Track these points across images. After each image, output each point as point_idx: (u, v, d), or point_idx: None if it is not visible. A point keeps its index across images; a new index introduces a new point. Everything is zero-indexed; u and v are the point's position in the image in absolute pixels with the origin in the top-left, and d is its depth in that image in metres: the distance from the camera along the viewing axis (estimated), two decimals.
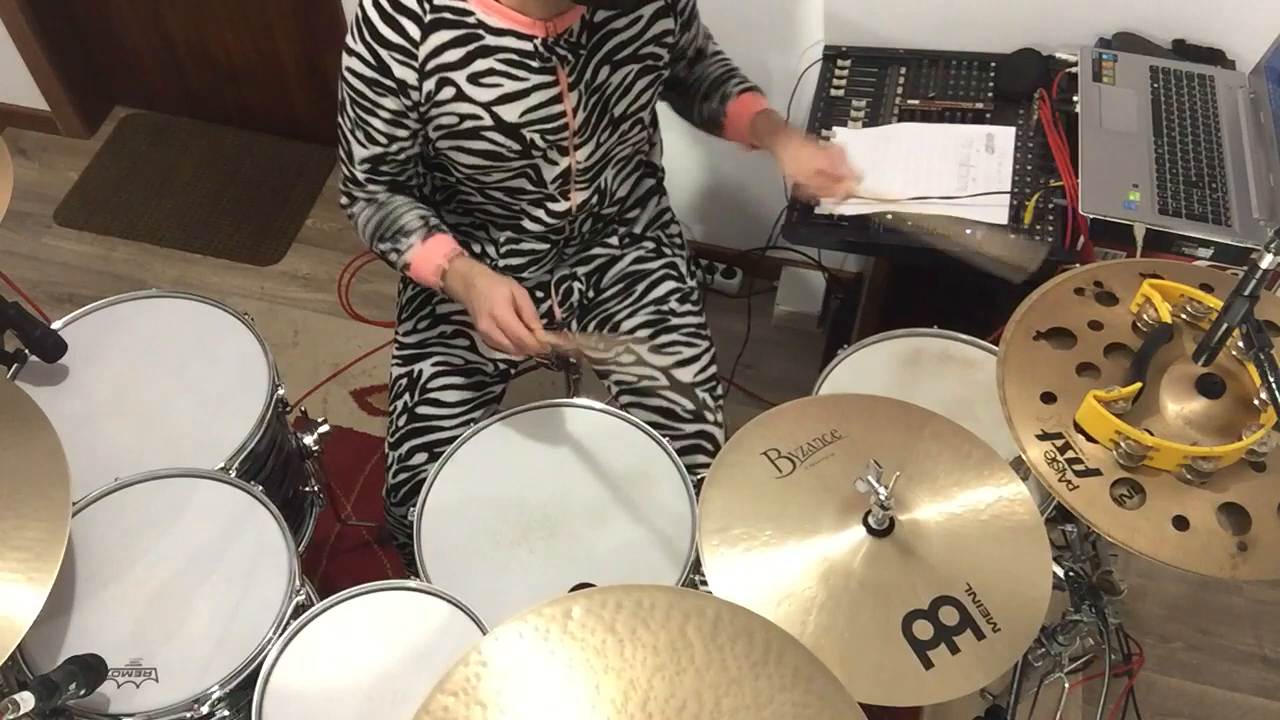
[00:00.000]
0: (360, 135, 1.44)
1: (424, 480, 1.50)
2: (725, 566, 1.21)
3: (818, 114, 1.91)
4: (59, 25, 2.78)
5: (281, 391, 1.60)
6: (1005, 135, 1.80)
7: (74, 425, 1.44)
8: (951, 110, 1.87)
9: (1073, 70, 1.86)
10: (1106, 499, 1.16)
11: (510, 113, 1.41)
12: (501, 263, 1.62)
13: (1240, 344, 1.23)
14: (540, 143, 1.45)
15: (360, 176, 1.48)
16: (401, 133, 1.43)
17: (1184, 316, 1.29)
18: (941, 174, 1.75)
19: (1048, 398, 1.23)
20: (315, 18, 2.58)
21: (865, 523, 1.22)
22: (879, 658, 1.14)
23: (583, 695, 0.92)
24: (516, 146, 1.44)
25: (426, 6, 1.33)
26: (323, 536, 2.20)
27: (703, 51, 1.65)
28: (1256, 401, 1.19)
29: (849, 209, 1.73)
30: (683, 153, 2.38)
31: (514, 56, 1.37)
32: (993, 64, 1.93)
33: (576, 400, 1.57)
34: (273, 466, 1.60)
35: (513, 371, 1.75)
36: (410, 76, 1.36)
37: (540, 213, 1.55)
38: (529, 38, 1.37)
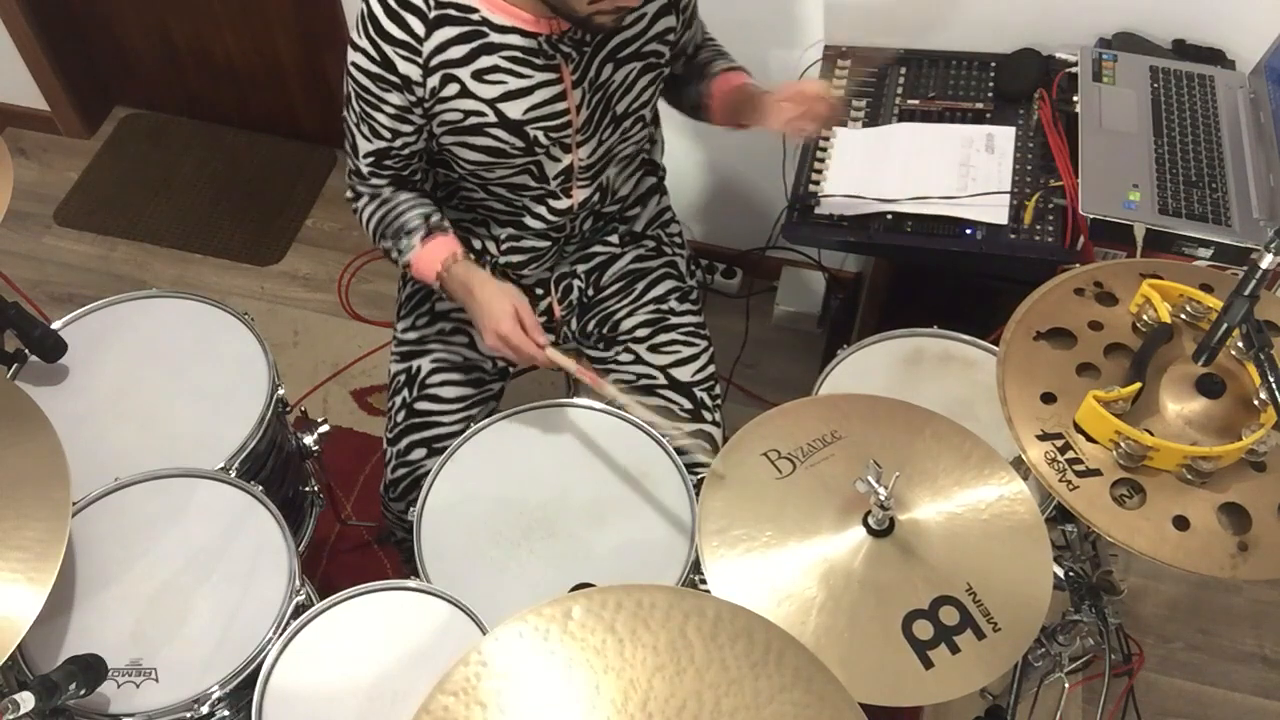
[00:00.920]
0: (365, 130, 1.44)
1: (422, 476, 1.50)
2: (725, 567, 1.21)
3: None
4: (59, 25, 2.78)
5: (281, 391, 1.60)
6: (1005, 135, 1.80)
7: (74, 425, 1.44)
8: (951, 110, 1.87)
9: (1073, 70, 1.86)
10: (1106, 499, 1.16)
11: (514, 109, 1.41)
12: (502, 259, 1.62)
13: (1240, 344, 1.23)
14: (543, 140, 1.45)
15: (365, 170, 1.49)
16: (406, 128, 1.43)
17: (1184, 316, 1.29)
18: (941, 174, 1.76)
19: (1048, 398, 1.23)
20: (315, 18, 2.58)
21: (865, 523, 1.22)
22: (879, 658, 1.14)
23: (583, 695, 0.92)
24: (520, 143, 1.44)
25: (431, 3, 1.33)
26: (323, 536, 2.20)
27: (700, 47, 1.65)
28: (1256, 401, 1.19)
29: (849, 209, 1.73)
30: (684, 152, 2.38)
31: (518, 54, 1.38)
32: (993, 64, 1.93)
33: (576, 400, 1.57)
34: (273, 466, 1.60)
35: (511, 370, 1.75)
36: (414, 72, 1.36)
37: (542, 210, 1.55)
38: (533, 35, 1.37)
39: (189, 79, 2.87)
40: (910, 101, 1.89)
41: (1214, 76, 1.84)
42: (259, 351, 1.61)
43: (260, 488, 1.45)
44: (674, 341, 1.69)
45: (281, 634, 1.31)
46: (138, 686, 1.29)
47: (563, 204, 1.55)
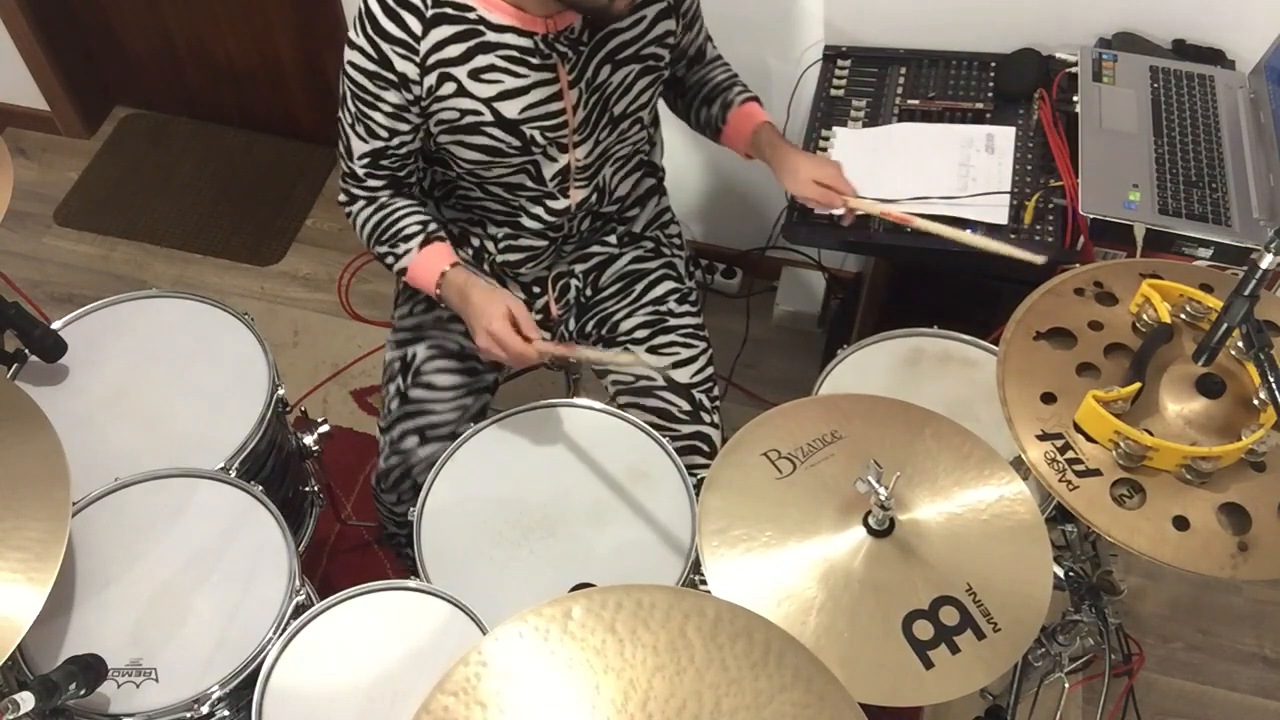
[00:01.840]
0: (361, 129, 1.44)
1: (414, 466, 1.49)
2: (725, 567, 1.21)
3: (818, 114, 1.91)
4: (59, 25, 2.78)
5: (281, 391, 1.60)
6: (1005, 135, 1.80)
7: (74, 425, 1.44)
8: (951, 110, 1.87)
9: (1073, 70, 1.86)
10: (1106, 499, 1.16)
11: (510, 109, 1.41)
12: (499, 258, 1.62)
13: (1240, 344, 1.23)
14: (540, 139, 1.45)
15: (360, 171, 1.49)
16: (403, 127, 1.43)
17: (1184, 316, 1.29)
18: (941, 174, 1.76)
19: (1048, 398, 1.23)
20: (315, 18, 2.58)
21: (865, 523, 1.22)
22: (879, 658, 1.14)
23: (583, 695, 0.92)
24: (516, 143, 1.44)
25: (429, 1, 1.33)
26: (323, 536, 2.20)
27: (703, 52, 1.65)
28: (1256, 401, 1.19)
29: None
30: (683, 153, 2.38)
31: (514, 53, 1.38)
32: (993, 64, 1.93)
33: (576, 400, 1.57)
34: (273, 466, 1.60)
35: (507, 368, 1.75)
36: (411, 71, 1.36)
37: (539, 210, 1.55)
38: (529, 34, 1.37)
39: (189, 79, 2.87)
40: (910, 101, 1.89)
41: (1214, 76, 1.84)
42: (259, 351, 1.61)
43: (260, 488, 1.45)
44: (673, 343, 1.69)
45: (281, 634, 1.31)
46: (138, 686, 1.29)
47: (560, 204, 1.55)
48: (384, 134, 1.43)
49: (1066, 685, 1.53)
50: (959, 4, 1.97)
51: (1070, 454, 1.19)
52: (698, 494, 1.33)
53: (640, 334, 1.70)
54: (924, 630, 1.15)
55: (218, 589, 1.37)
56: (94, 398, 1.56)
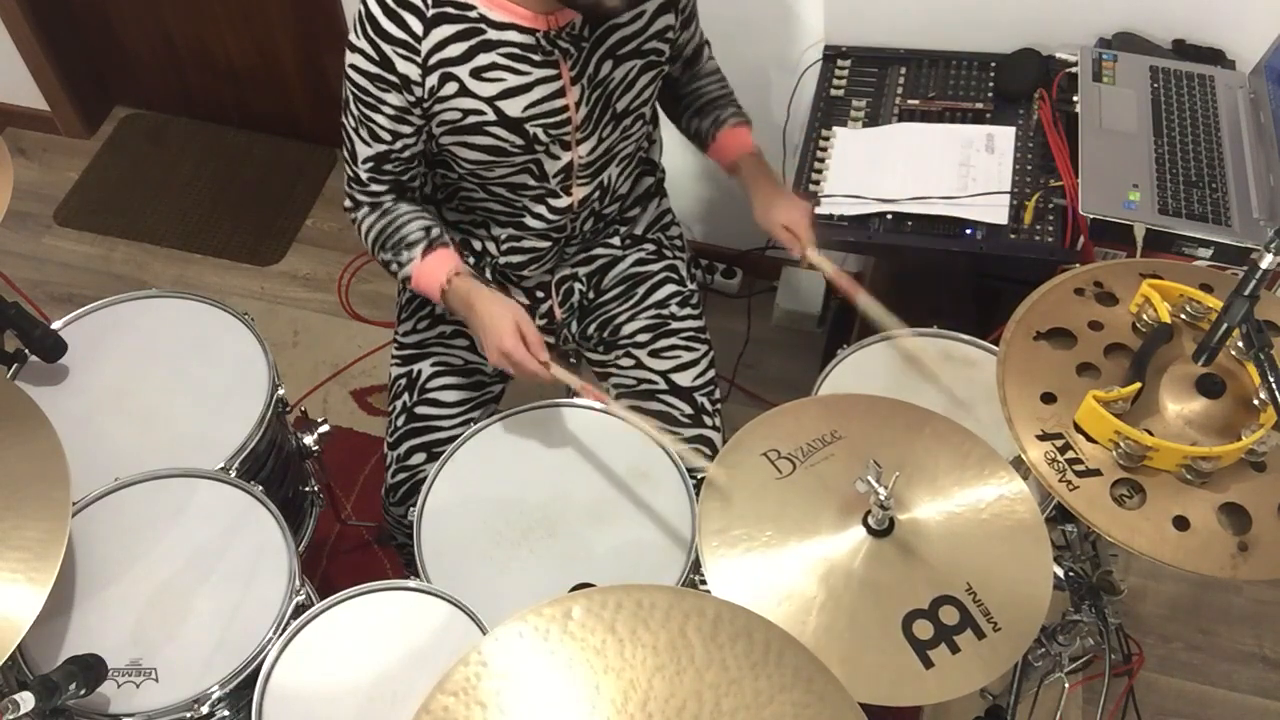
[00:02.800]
0: (364, 133, 1.44)
1: (423, 480, 1.49)
2: (725, 567, 1.21)
3: (818, 114, 1.91)
4: (59, 25, 2.78)
5: (281, 391, 1.60)
6: (1005, 135, 1.80)
7: (74, 425, 1.44)
8: (951, 110, 1.87)
9: (1073, 70, 1.86)
10: (1107, 499, 1.16)
11: (513, 107, 1.41)
12: (502, 260, 1.62)
13: (1240, 344, 1.23)
14: (543, 137, 1.45)
15: (364, 176, 1.48)
16: (405, 129, 1.43)
17: (1184, 316, 1.29)
18: (941, 174, 1.76)
19: (1048, 398, 1.23)
20: (315, 18, 2.58)
21: (865, 523, 1.22)
22: (879, 658, 1.14)
23: (583, 695, 0.92)
24: (519, 141, 1.44)
25: (429, 1, 1.33)
26: (323, 536, 2.20)
27: (699, 53, 1.65)
28: (1256, 401, 1.19)
29: (849, 209, 1.73)
30: (683, 153, 2.36)
31: (516, 51, 1.37)
32: (993, 64, 1.93)
33: (576, 400, 1.57)
34: (273, 466, 1.60)
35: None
36: (413, 72, 1.36)
37: (542, 209, 1.55)
38: (531, 31, 1.37)
39: (189, 79, 2.87)
40: (910, 101, 1.89)
41: (1214, 76, 1.84)
42: (259, 351, 1.61)
43: (260, 488, 1.45)
44: (674, 346, 1.69)
45: (281, 634, 1.31)
46: (138, 686, 1.29)
47: (563, 202, 1.55)
48: (387, 137, 1.43)
49: (1066, 685, 1.53)
50: (959, 4, 1.97)
51: (1070, 454, 1.19)
52: (698, 494, 1.33)
53: (642, 337, 1.70)
54: (924, 630, 1.15)
55: (218, 589, 1.37)
56: (94, 398, 1.56)
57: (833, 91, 1.94)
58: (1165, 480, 1.18)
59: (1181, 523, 1.15)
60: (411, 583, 1.36)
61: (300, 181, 2.86)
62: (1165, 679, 2.14)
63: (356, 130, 1.44)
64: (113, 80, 2.96)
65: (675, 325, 1.71)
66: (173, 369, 1.59)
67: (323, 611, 1.33)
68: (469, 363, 1.68)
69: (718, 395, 1.71)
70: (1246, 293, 1.14)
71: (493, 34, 1.36)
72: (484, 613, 1.31)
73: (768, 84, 2.14)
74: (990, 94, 1.89)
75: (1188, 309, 1.29)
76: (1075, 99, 1.81)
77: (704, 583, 1.21)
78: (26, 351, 1.56)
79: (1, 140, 1.67)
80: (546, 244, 1.61)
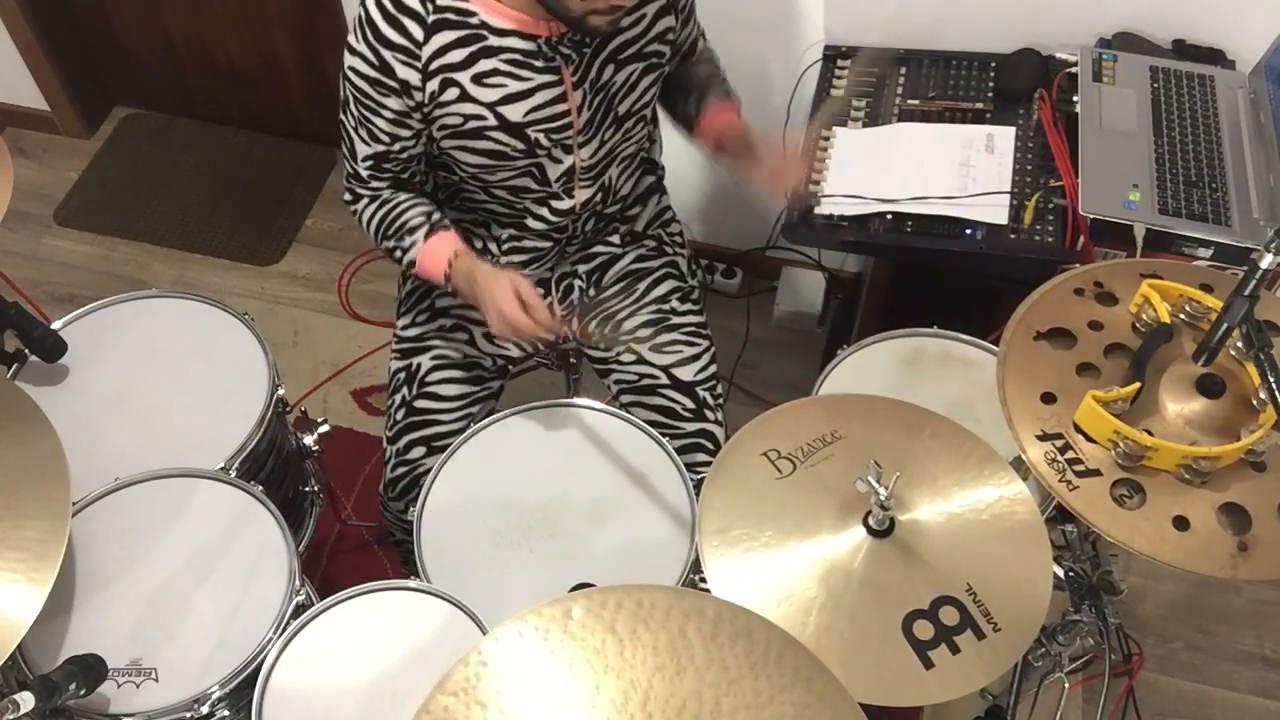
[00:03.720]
0: (363, 133, 1.44)
1: (422, 475, 1.50)
2: (725, 567, 1.21)
3: (818, 114, 1.91)
4: (59, 25, 2.77)
5: (281, 391, 1.60)
6: (1005, 135, 1.80)
7: (74, 425, 1.44)
8: (951, 110, 1.87)
9: (1073, 70, 1.85)
10: (1107, 499, 1.16)
11: (514, 113, 1.41)
12: (503, 259, 1.62)
13: (1240, 344, 1.23)
14: (545, 142, 1.45)
15: (364, 173, 1.48)
16: (405, 132, 1.43)
17: (1184, 316, 1.29)
18: (941, 174, 1.75)
19: (1048, 398, 1.23)
20: (315, 18, 2.58)
21: (865, 523, 1.22)
22: (879, 658, 1.14)
23: (583, 695, 0.92)
24: (521, 146, 1.44)
25: (429, 7, 1.33)
26: (323, 536, 2.20)
27: (694, 46, 1.65)
28: (1256, 401, 1.19)
29: (849, 209, 1.73)
30: (683, 152, 2.36)
31: (518, 56, 1.37)
32: (993, 64, 1.93)
33: (576, 400, 1.57)
34: (273, 466, 1.60)
35: (511, 367, 1.75)
36: (413, 77, 1.36)
37: (544, 211, 1.55)
38: (532, 37, 1.37)
39: (189, 79, 2.87)
40: (910, 101, 1.89)
41: (1214, 76, 1.84)
42: (259, 351, 1.61)
43: (260, 488, 1.45)
44: (675, 341, 1.69)
45: (281, 634, 1.31)
46: (138, 686, 1.29)
47: (565, 205, 1.55)
48: (386, 139, 1.43)
49: (1066, 685, 1.53)
50: (959, 4, 1.97)
51: (1070, 454, 1.19)
52: (698, 494, 1.33)
53: (643, 333, 1.70)
54: (924, 630, 1.15)
55: (218, 589, 1.37)
56: (94, 398, 1.56)
57: (833, 91, 1.94)
58: (1165, 480, 1.18)
59: (1181, 523, 1.15)
60: (411, 583, 1.36)
61: (300, 181, 2.86)
62: (1165, 679, 2.14)
63: (356, 130, 1.44)
64: (113, 80, 2.96)
65: (676, 320, 1.71)
66: (173, 369, 1.59)
67: (323, 611, 1.33)
68: (469, 357, 1.68)
69: (719, 390, 1.71)
70: (1246, 293, 1.14)
71: (494, 40, 1.36)
72: (484, 613, 1.31)
73: (768, 84, 2.14)
74: (990, 94, 1.89)
75: (1187, 309, 1.29)
76: (1075, 99, 1.81)
77: (704, 583, 1.21)
78: (26, 351, 1.56)
79: (1, 140, 1.67)
80: (548, 244, 1.61)
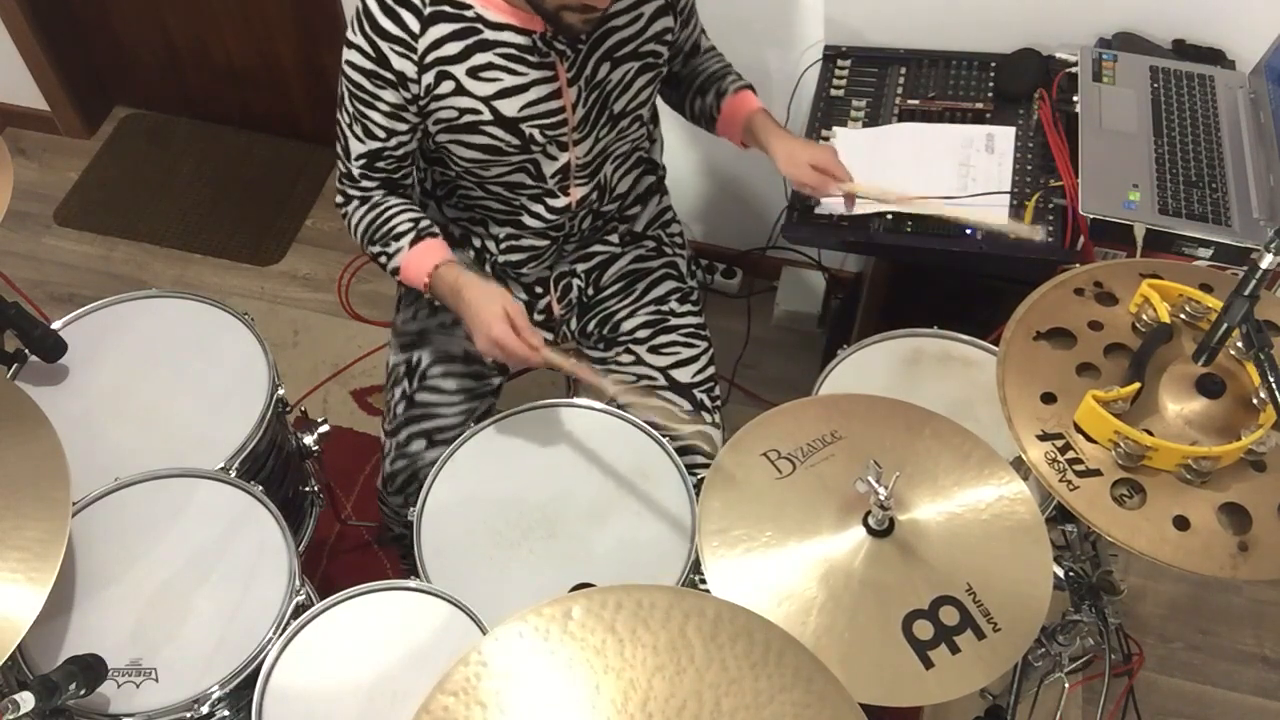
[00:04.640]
0: (358, 129, 1.44)
1: (421, 469, 1.49)
2: (725, 567, 1.21)
3: (818, 114, 1.91)
4: (59, 25, 2.78)
5: (281, 391, 1.60)
6: (1005, 135, 1.80)
7: (74, 425, 1.44)
8: (951, 110, 1.87)
9: (1073, 70, 1.85)
10: (1107, 499, 1.16)
11: (509, 107, 1.41)
12: (501, 258, 1.62)
13: (1240, 344, 1.23)
14: (539, 138, 1.45)
15: (356, 172, 1.49)
16: (400, 126, 1.43)
17: (1183, 316, 1.29)
18: (941, 174, 1.75)
19: (1048, 398, 1.23)
20: (315, 18, 2.58)
21: (865, 523, 1.22)
22: (879, 658, 1.14)
23: (583, 695, 0.92)
24: (515, 141, 1.44)
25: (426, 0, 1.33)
26: (323, 536, 2.20)
27: (698, 45, 1.65)
28: (1256, 401, 1.19)
29: (849, 209, 1.73)
30: (683, 152, 2.38)
31: (513, 51, 1.38)
32: (993, 64, 1.93)
33: (576, 400, 1.57)
34: (273, 466, 1.60)
35: (510, 368, 1.75)
36: (409, 69, 1.36)
37: (539, 208, 1.55)
38: (528, 32, 1.37)
39: (189, 79, 2.87)
40: (910, 101, 1.89)
41: (1214, 76, 1.84)
42: (259, 351, 1.61)
43: (260, 488, 1.45)
44: (674, 343, 1.69)
45: (281, 634, 1.31)
46: (138, 686, 1.29)
47: (560, 202, 1.55)
48: (381, 134, 1.43)
49: (1066, 685, 1.53)
50: (959, 4, 1.97)
51: (1070, 454, 1.19)
52: (698, 494, 1.33)
53: (642, 334, 1.70)
54: (924, 630, 1.15)
55: (218, 589, 1.37)
56: (94, 398, 1.56)
57: (833, 91, 1.94)
58: (1165, 480, 1.18)
59: (1181, 523, 1.15)
60: (411, 583, 1.36)
61: (300, 181, 2.86)
62: (1165, 679, 2.14)
63: (351, 126, 1.44)
64: (113, 80, 2.96)
65: (675, 321, 1.71)
66: (173, 369, 1.59)
67: (323, 611, 1.33)
68: (468, 352, 1.68)
69: (718, 392, 1.71)
70: (1246, 293, 1.14)
71: (490, 34, 1.36)
72: (484, 613, 1.31)
73: (768, 84, 2.14)
74: (990, 94, 1.89)
75: (1187, 309, 1.29)
76: (1075, 99, 1.81)
77: (704, 583, 1.21)
78: (26, 351, 1.56)
79: (1, 140, 1.67)
80: (545, 243, 1.61)
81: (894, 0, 1.99)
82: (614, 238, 1.70)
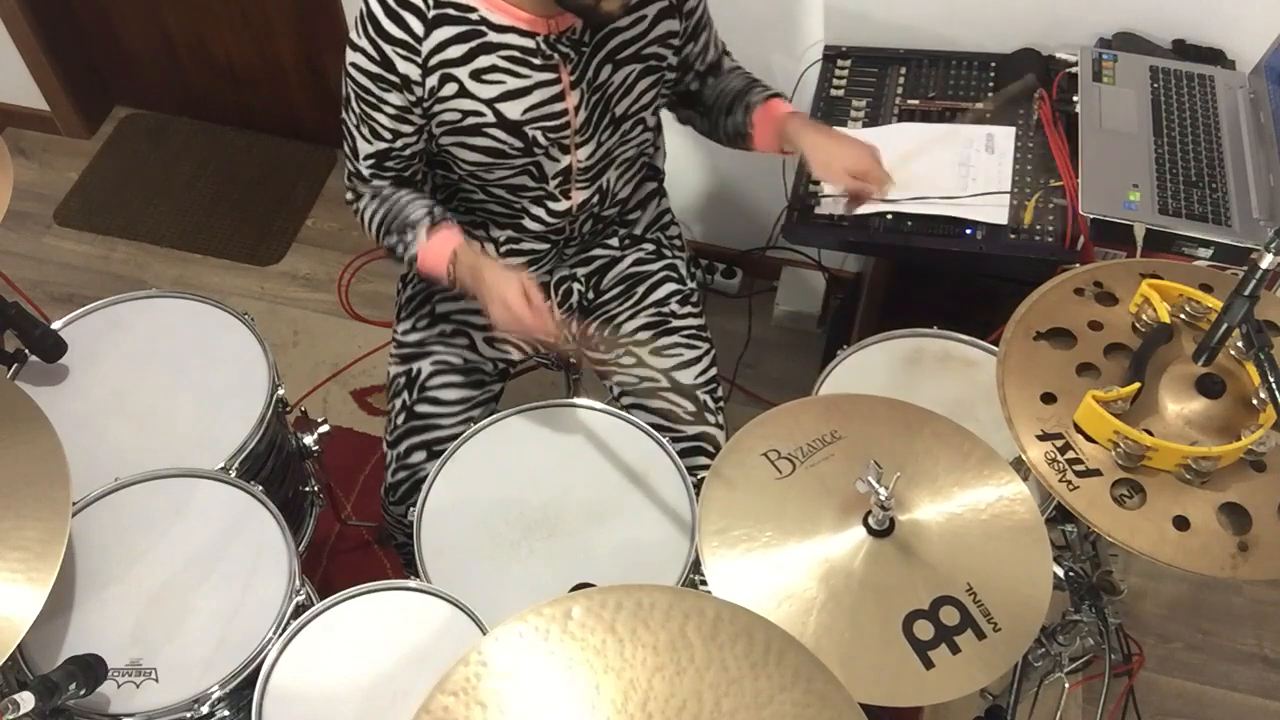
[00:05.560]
0: (365, 131, 1.44)
1: (423, 479, 1.49)
2: (725, 567, 1.21)
3: (818, 114, 1.91)
4: (59, 25, 2.78)
5: (281, 391, 1.60)
6: (1005, 135, 1.80)
7: (74, 425, 1.44)
8: (951, 110, 1.87)
9: (1073, 70, 1.85)
10: (1107, 499, 1.16)
11: (512, 110, 1.41)
12: (501, 261, 1.62)
13: (1240, 344, 1.23)
14: (542, 140, 1.45)
15: (365, 172, 1.49)
16: (406, 128, 1.43)
17: (1183, 316, 1.29)
18: (941, 174, 1.75)
19: (1048, 398, 1.23)
20: (315, 18, 2.58)
21: (865, 523, 1.22)
22: (879, 658, 1.14)
23: (583, 695, 0.92)
24: (518, 144, 1.44)
25: (430, 2, 1.33)
26: (323, 536, 2.20)
27: (718, 66, 1.63)
28: (1256, 401, 1.19)
29: (849, 209, 1.73)
30: (683, 154, 2.38)
31: (516, 53, 1.38)
32: (993, 64, 1.93)
33: (576, 400, 1.57)
34: (273, 466, 1.60)
35: (511, 371, 1.75)
36: (414, 72, 1.36)
37: (541, 211, 1.55)
38: (531, 35, 1.37)
39: (189, 79, 2.87)
40: (910, 101, 1.89)
41: (1214, 76, 1.84)
42: (259, 351, 1.61)
43: (260, 488, 1.45)
44: (676, 344, 1.69)
45: (281, 634, 1.31)
46: (138, 686, 1.29)
47: (561, 205, 1.55)
48: (388, 135, 1.43)
49: (1066, 685, 1.53)
50: (959, 4, 1.97)
51: (1070, 454, 1.19)
52: (698, 494, 1.33)
53: (643, 336, 1.70)
54: (924, 630, 1.15)
55: (218, 589, 1.37)
56: (94, 398, 1.56)
57: (833, 91, 1.94)
58: (1165, 480, 1.18)
59: (1181, 523, 1.15)
60: (411, 583, 1.36)
61: (300, 181, 2.86)
62: (1165, 679, 2.14)
63: (358, 128, 1.44)
64: (113, 80, 2.96)
65: (676, 323, 1.71)
66: (173, 369, 1.59)
67: (323, 611, 1.33)
68: (469, 361, 1.68)
69: (720, 393, 1.71)
70: (1246, 293, 1.14)
71: (493, 36, 1.36)
72: (484, 613, 1.31)
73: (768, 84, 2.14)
74: (990, 94, 1.89)
75: (1187, 309, 1.29)
76: (1075, 99, 1.81)
77: (704, 583, 1.21)
78: (26, 351, 1.56)
79: (1, 140, 1.67)
80: (545, 246, 1.61)
81: (894, 0, 1.99)
82: (614, 241, 1.70)
